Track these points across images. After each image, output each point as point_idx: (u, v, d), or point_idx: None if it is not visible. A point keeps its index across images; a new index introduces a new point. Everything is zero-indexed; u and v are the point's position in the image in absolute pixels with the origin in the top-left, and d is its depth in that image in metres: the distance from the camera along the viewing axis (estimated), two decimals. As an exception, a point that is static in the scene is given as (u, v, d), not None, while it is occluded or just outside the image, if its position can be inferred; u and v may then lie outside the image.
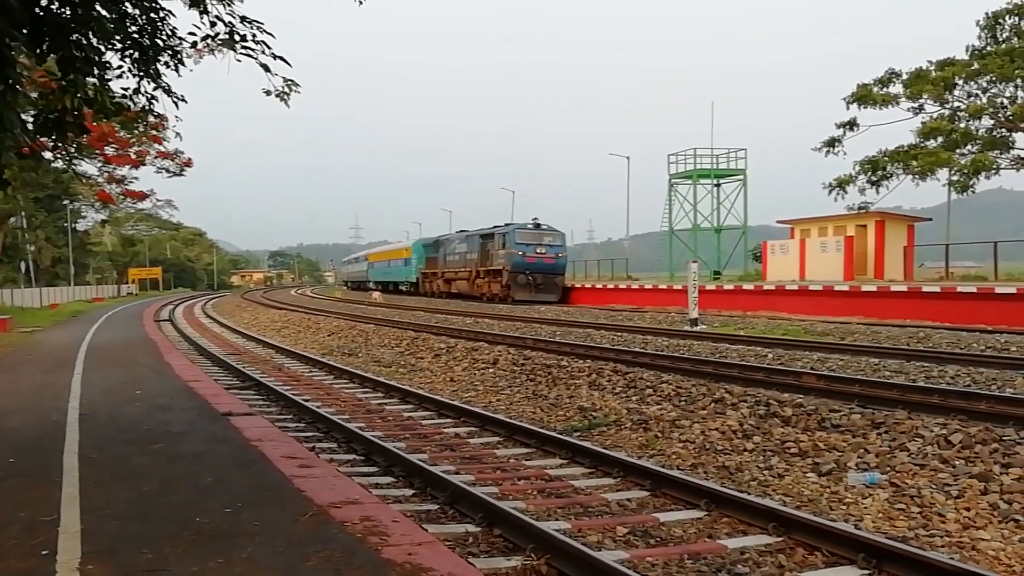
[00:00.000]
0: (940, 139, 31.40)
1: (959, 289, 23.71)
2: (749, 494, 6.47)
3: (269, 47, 6.82)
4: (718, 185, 43.78)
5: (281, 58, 6.88)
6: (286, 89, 7.22)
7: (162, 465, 6.24)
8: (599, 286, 42.40)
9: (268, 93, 7.20)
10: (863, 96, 32.15)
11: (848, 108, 33.04)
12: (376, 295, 55.37)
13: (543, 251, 40.46)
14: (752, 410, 9.01)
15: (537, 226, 41.48)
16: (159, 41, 6.91)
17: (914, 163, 30.97)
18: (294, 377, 14.31)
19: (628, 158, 49.94)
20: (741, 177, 42.94)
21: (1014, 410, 8.37)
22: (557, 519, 5.88)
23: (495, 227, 44.59)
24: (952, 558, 5.05)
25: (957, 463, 6.74)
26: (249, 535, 4.48)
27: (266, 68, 6.90)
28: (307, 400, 11.07)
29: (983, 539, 5.54)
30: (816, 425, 8.23)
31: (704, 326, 21.47)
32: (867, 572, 4.77)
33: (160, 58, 6.93)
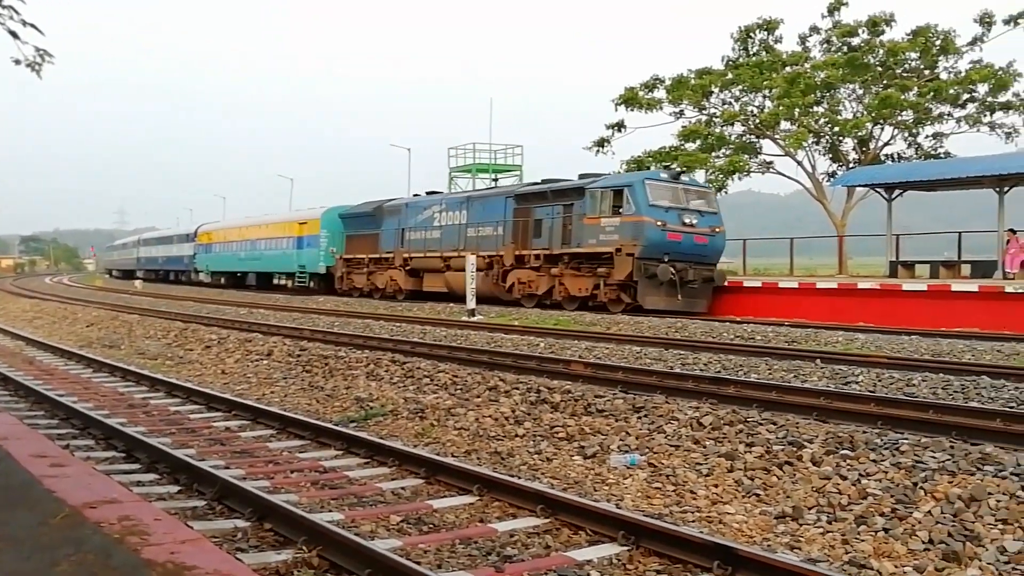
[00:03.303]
0: (698, 142, 33.67)
1: (713, 282, 25.47)
2: (519, 478, 6.69)
3: (18, 12, 6.29)
4: (496, 180, 44.75)
5: (32, 25, 6.37)
6: (38, 59, 6.69)
7: None
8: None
9: (18, 62, 6.64)
10: (629, 98, 33.93)
11: (616, 110, 34.74)
12: (138, 283, 51.35)
13: (694, 222, 22.60)
14: (524, 397, 9.30)
15: (677, 176, 24.41)
16: None
17: (674, 164, 32.99)
18: (47, 371, 13.28)
19: (409, 150, 49.94)
20: (518, 173, 44.08)
21: (757, 393, 9.15)
22: (330, 510, 5.83)
23: (548, 181, 26.18)
24: (701, 531, 5.46)
25: (708, 443, 7.27)
26: (-9, 541, 4.12)
27: (15, 35, 6.36)
28: (61, 395, 10.31)
29: (729, 512, 6.02)
30: (583, 410, 8.62)
31: (481, 316, 21.90)
32: (626, 548, 5.06)
33: None
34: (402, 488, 6.48)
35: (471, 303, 22.69)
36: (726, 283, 23.72)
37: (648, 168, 31.62)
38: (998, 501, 5.40)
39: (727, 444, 7.16)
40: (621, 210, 22.62)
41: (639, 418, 8.13)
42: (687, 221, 22.53)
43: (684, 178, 24.71)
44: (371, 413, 9.63)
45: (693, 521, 5.88)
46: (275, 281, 43.64)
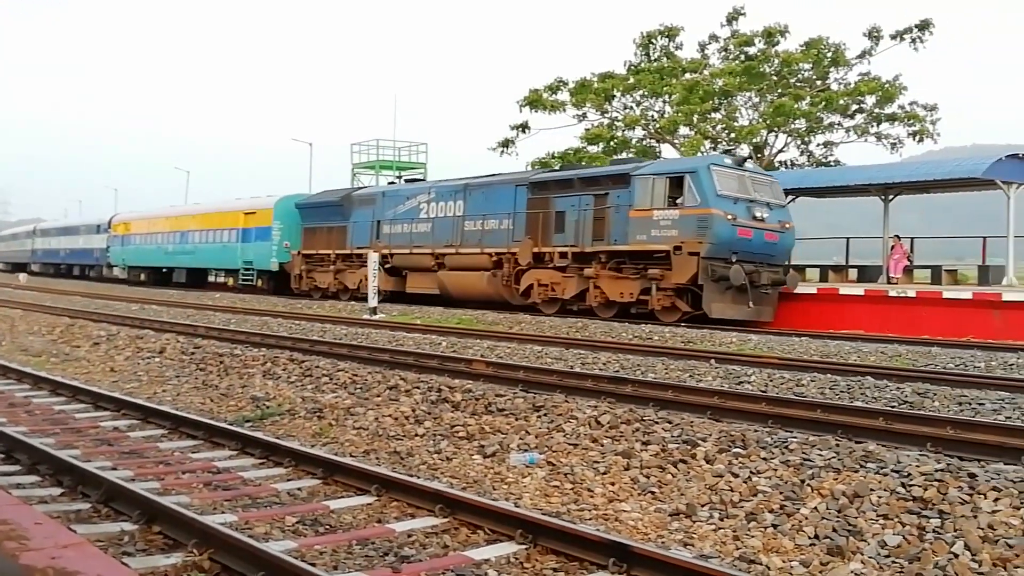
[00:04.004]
0: (601, 145, 34.14)
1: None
2: (418, 478, 6.65)
3: None
4: (399, 177, 44.49)
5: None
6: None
7: None
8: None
9: None
10: (534, 100, 34.21)
11: (521, 111, 34.96)
12: (22, 277, 48.92)
13: (764, 216, 19.61)
14: (424, 396, 9.27)
15: (742, 162, 20.65)
16: None
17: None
18: (-81, 368, 12.58)
19: (311, 144, 49.26)
20: (422, 170, 43.92)
21: (654, 392, 9.32)
22: (223, 512, 5.68)
23: (567, 167, 23.97)
24: (598, 529, 5.52)
25: (605, 442, 7.37)
26: None
27: None
28: (-66, 394, 9.79)
29: (625, 510, 6.11)
30: (483, 409, 8.63)
31: (383, 315, 21.72)
32: (524, 546, 5.08)
33: None
34: (298, 489, 6.36)
35: (372, 301, 22.48)
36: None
37: (555, 169, 31.45)
38: (879, 497, 5.63)
39: (624, 442, 7.27)
40: (680, 201, 19.46)
41: (539, 417, 8.19)
42: (757, 215, 19.41)
43: (748, 164, 20.99)
44: (267, 412, 9.44)
45: (590, 519, 5.95)
46: (211, 278, 38.38)
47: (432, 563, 4.83)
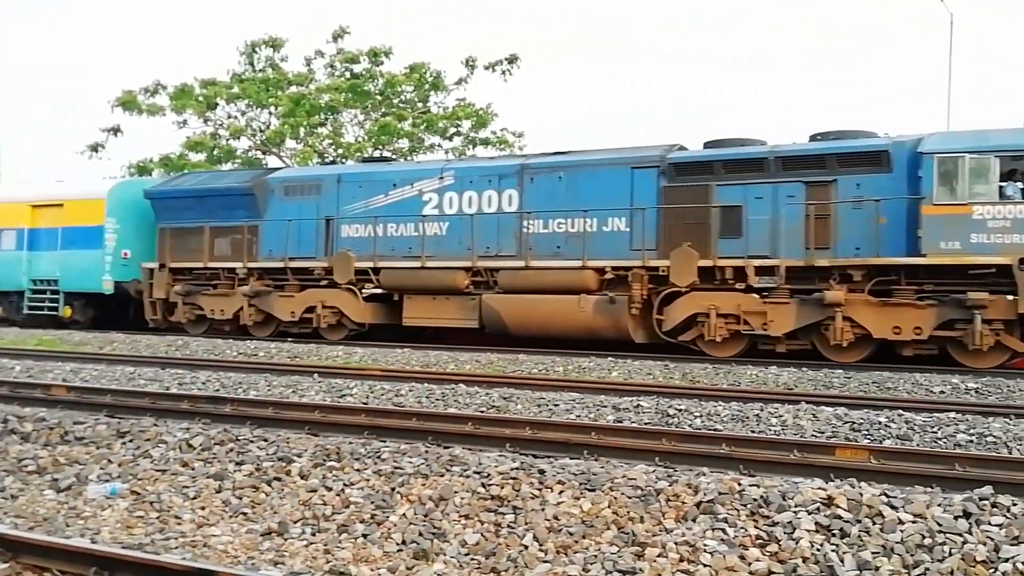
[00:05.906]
0: (204, 154, 32.80)
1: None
2: (-27, 523, 5.89)
3: None
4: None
5: None
6: None
7: None
8: None
9: None
10: (127, 102, 31.98)
11: (113, 112, 32.51)
12: None
13: None
14: (-15, 429, 8.24)
15: None
16: None
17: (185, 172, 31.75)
18: None
19: None
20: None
21: (254, 411, 9.16)
22: None
23: (717, 143, 16.47)
24: (184, 557, 5.26)
25: (196, 465, 7.06)
26: None
27: None
28: None
29: (215, 535, 5.88)
30: (59, 439, 7.87)
31: (-58, 337, 19.00)
32: (99, 584, 4.70)
33: None
34: None
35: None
36: None
37: (150, 172, 28.98)
38: (462, 499, 5.97)
39: (217, 464, 7.02)
40: (1014, 192, 13.77)
41: (124, 444, 7.64)
42: None
43: None
44: None
45: (176, 547, 5.65)
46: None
47: (-16, 617, 4.30)
